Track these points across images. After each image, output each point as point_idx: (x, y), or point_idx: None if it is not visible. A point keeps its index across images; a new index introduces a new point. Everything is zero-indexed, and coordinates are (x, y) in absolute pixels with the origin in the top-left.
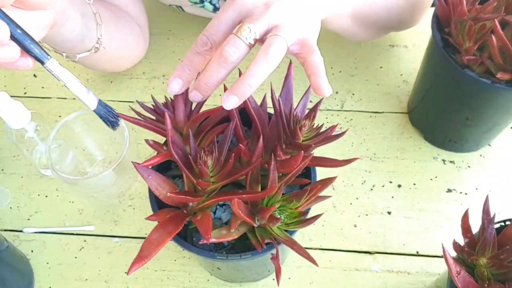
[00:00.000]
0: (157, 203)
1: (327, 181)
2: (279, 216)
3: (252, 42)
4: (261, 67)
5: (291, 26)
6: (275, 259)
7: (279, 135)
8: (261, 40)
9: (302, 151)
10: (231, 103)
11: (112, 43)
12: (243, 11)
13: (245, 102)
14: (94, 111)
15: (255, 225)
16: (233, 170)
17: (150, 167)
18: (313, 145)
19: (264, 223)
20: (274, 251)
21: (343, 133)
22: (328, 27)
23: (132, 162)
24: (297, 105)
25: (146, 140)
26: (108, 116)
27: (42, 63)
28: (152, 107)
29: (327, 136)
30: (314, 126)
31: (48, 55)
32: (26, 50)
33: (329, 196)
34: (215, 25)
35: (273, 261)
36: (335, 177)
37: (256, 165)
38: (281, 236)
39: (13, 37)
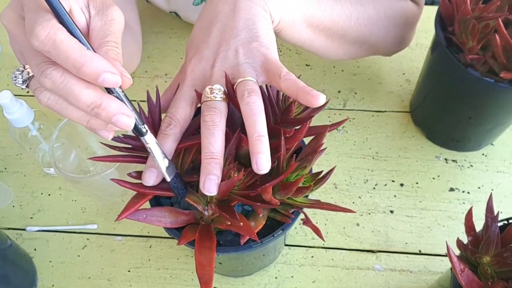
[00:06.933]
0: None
1: (320, 135)
2: (303, 185)
3: (224, 96)
4: (254, 115)
5: (245, 64)
6: (307, 222)
7: (267, 116)
8: (233, 89)
9: (306, 123)
10: (264, 163)
11: None
12: (196, 83)
13: (229, 91)
14: (168, 182)
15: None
16: (256, 184)
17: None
18: (312, 116)
19: (285, 198)
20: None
21: (326, 104)
22: (288, 39)
23: (123, 216)
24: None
25: (129, 174)
26: (179, 188)
27: (142, 135)
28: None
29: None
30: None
31: (146, 129)
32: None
33: (334, 167)
34: (174, 104)
35: (307, 225)
36: (328, 126)
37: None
38: (306, 203)
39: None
